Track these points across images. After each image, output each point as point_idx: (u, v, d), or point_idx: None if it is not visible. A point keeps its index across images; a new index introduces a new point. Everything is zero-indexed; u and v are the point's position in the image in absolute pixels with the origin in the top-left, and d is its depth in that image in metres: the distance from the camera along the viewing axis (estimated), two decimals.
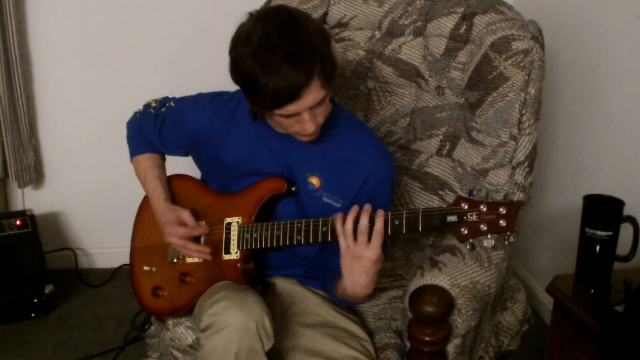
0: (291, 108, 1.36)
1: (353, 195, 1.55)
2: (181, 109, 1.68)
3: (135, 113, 1.77)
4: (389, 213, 1.36)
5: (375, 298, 1.75)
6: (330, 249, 1.58)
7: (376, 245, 1.35)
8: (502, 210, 1.26)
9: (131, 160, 1.77)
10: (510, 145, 1.73)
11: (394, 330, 1.67)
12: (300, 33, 1.33)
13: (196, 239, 1.63)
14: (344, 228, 1.37)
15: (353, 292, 1.44)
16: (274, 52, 1.31)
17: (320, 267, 1.67)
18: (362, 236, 1.35)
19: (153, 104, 1.73)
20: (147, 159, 1.73)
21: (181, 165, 1.78)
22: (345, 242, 1.37)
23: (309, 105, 1.37)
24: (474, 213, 1.28)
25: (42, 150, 2.66)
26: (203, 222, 1.63)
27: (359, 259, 1.36)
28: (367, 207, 1.37)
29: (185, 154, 1.75)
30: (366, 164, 1.54)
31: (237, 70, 1.38)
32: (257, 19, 1.37)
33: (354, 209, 1.38)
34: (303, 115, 1.39)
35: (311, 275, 1.67)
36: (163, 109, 1.71)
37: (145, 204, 1.77)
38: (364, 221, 1.35)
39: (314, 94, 1.36)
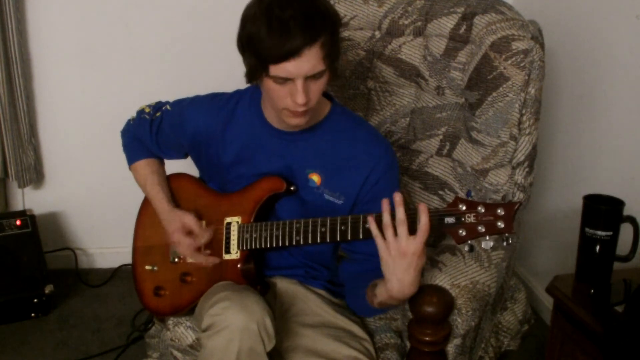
0: (288, 67, 1.34)
1: (356, 192, 1.54)
2: (178, 111, 1.68)
3: (129, 120, 1.77)
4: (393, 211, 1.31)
5: None
6: (350, 257, 1.57)
7: (421, 240, 1.27)
8: (500, 211, 1.25)
9: (129, 168, 1.77)
10: (510, 145, 1.73)
11: (394, 330, 1.68)
12: (317, 2, 1.35)
13: None
14: (382, 222, 1.29)
15: (401, 292, 1.32)
16: (287, 9, 1.31)
17: (324, 268, 1.67)
18: (403, 227, 1.27)
19: (147, 110, 1.73)
20: (145, 166, 1.73)
21: (180, 164, 1.77)
22: (382, 241, 1.29)
23: (306, 71, 1.35)
24: (472, 214, 1.27)
25: (42, 150, 2.67)
26: (203, 224, 1.63)
27: (403, 256, 1.28)
28: (400, 199, 1.29)
29: (184, 157, 1.74)
30: (366, 159, 1.54)
31: (244, 29, 1.38)
32: None
33: (386, 202, 1.30)
34: (296, 83, 1.36)
35: (312, 275, 1.67)
36: (158, 114, 1.70)
37: (146, 204, 1.77)
38: (401, 213, 1.28)
39: (313, 60, 1.34)
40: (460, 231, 1.27)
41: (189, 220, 1.60)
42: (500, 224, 1.25)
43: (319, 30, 1.34)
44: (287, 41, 1.31)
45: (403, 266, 1.29)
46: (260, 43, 1.34)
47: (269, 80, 1.39)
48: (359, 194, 1.54)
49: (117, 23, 2.56)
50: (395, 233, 1.28)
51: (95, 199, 2.74)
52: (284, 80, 1.37)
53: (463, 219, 1.27)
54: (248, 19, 1.37)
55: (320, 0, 1.38)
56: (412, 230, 1.28)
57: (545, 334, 1.72)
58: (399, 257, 1.28)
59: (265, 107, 1.57)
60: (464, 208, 1.27)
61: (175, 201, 1.69)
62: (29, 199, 2.70)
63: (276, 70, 1.35)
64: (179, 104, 1.70)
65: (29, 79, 2.56)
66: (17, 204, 2.70)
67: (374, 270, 1.40)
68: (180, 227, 1.61)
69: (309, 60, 1.34)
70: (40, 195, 2.71)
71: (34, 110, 2.61)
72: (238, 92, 1.64)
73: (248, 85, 1.54)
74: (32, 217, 2.51)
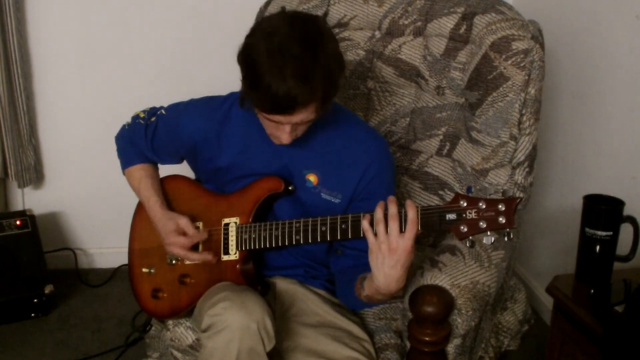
0: (279, 118, 1.37)
1: (352, 190, 1.54)
2: (174, 116, 1.67)
3: (124, 125, 1.76)
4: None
5: None
6: (343, 252, 1.58)
7: (410, 235, 1.28)
8: (501, 206, 1.26)
9: (123, 172, 1.76)
10: (510, 145, 1.74)
11: (394, 330, 1.67)
12: (320, 53, 1.33)
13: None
14: (374, 217, 1.31)
15: (387, 288, 1.34)
16: (289, 62, 1.30)
17: (323, 267, 1.67)
18: (394, 223, 1.28)
19: (141, 115, 1.73)
20: (139, 170, 1.73)
21: (176, 166, 1.77)
22: (373, 236, 1.31)
23: (296, 122, 1.38)
24: (473, 210, 1.27)
25: (42, 150, 2.66)
26: (200, 225, 1.63)
27: (392, 252, 1.29)
28: (393, 198, 1.32)
29: (180, 161, 1.74)
30: (362, 157, 1.54)
31: (245, 55, 1.37)
32: (287, 17, 1.36)
33: (381, 203, 1.32)
34: (285, 127, 1.40)
35: (312, 275, 1.67)
36: (153, 118, 1.70)
37: (141, 206, 1.77)
38: (393, 209, 1.29)
39: (305, 113, 1.37)
40: (462, 227, 1.28)
41: (184, 222, 1.60)
42: (502, 219, 1.25)
43: (317, 89, 1.33)
44: (282, 100, 1.31)
45: (391, 262, 1.30)
46: (255, 89, 1.34)
47: (260, 112, 1.41)
48: (355, 192, 1.55)
49: (117, 23, 2.56)
50: (387, 230, 1.29)
51: (95, 199, 2.74)
52: (274, 121, 1.39)
53: (464, 215, 1.27)
54: (252, 50, 1.35)
55: (324, 49, 1.35)
56: (403, 228, 1.29)
57: (545, 334, 1.72)
58: (388, 253, 1.30)
59: None
60: (465, 204, 1.28)
61: (172, 203, 1.69)
62: (29, 199, 2.70)
63: (267, 116, 1.38)
64: (174, 108, 1.70)
65: (29, 79, 2.56)
66: (17, 204, 2.70)
67: (364, 265, 1.40)
68: (174, 229, 1.61)
69: (302, 114, 1.36)
70: (40, 195, 2.71)
71: (34, 110, 2.61)
72: (233, 95, 1.64)
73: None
74: (32, 217, 2.51)
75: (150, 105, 1.76)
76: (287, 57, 1.30)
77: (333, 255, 1.62)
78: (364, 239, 1.35)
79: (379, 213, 1.31)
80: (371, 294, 1.41)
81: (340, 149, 1.56)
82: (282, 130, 1.41)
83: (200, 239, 1.60)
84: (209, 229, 1.62)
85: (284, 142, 1.43)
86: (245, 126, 1.59)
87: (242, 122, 1.59)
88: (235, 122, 1.60)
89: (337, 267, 1.60)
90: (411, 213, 1.28)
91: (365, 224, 1.33)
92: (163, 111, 1.70)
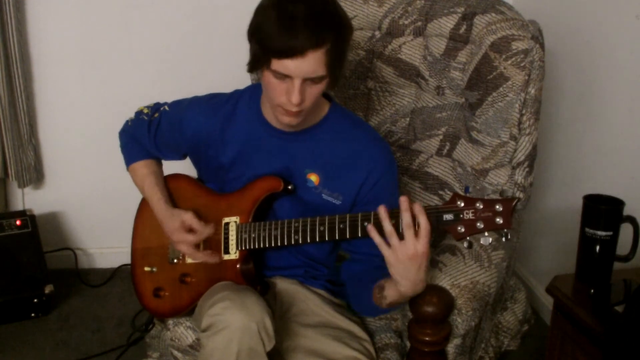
0: (289, 64, 1.34)
1: (355, 193, 1.54)
2: (177, 112, 1.67)
3: (127, 121, 1.76)
4: (388, 210, 1.32)
5: None
6: (352, 257, 1.58)
7: (425, 239, 1.28)
8: (499, 207, 1.26)
9: (127, 169, 1.76)
10: (510, 145, 1.74)
11: (394, 330, 1.68)
12: (331, 5, 1.36)
13: None
14: (385, 230, 1.29)
15: (413, 291, 1.35)
16: (299, 5, 1.31)
17: (323, 267, 1.67)
18: (409, 230, 1.27)
19: (145, 111, 1.73)
20: (143, 166, 1.73)
21: (178, 164, 1.77)
22: (388, 248, 1.30)
23: (305, 72, 1.35)
24: (470, 211, 1.27)
25: (42, 150, 2.66)
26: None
27: (413, 259, 1.29)
28: (405, 205, 1.28)
29: (182, 158, 1.74)
30: (365, 160, 1.54)
31: (255, 18, 1.38)
32: None
33: (382, 209, 1.31)
34: (294, 82, 1.36)
35: (312, 275, 1.67)
36: (156, 114, 1.70)
37: (144, 205, 1.77)
38: (407, 218, 1.28)
39: (315, 63, 1.34)
40: (459, 228, 1.28)
41: (189, 217, 1.59)
42: (499, 220, 1.25)
43: (326, 35, 1.33)
44: (293, 38, 1.31)
45: (414, 268, 1.30)
46: (266, 34, 1.34)
47: (269, 73, 1.39)
48: (358, 195, 1.54)
49: (117, 23, 2.56)
50: (400, 238, 1.29)
51: (95, 199, 2.74)
52: (283, 77, 1.37)
53: (461, 216, 1.27)
54: (261, 8, 1.38)
55: (336, 7, 1.38)
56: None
57: (545, 334, 1.72)
58: (409, 260, 1.29)
59: (264, 106, 1.57)
60: (462, 205, 1.28)
61: (174, 202, 1.69)
62: (29, 199, 2.70)
63: (277, 65, 1.35)
64: (178, 105, 1.70)
65: (29, 79, 2.56)
66: (17, 204, 2.70)
67: (376, 269, 1.40)
68: (179, 225, 1.60)
69: (310, 63, 1.34)
70: (40, 195, 2.71)
71: (34, 110, 2.61)
72: (237, 92, 1.64)
73: (246, 86, 1.54)
74: (32, 217, 2.51)
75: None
76: (296, 4, 1.32)
77: (342, 261, 1.61)
78: (371, 242, 1.34)
79: (387, 226, 1.29)
80: (395, 300, 1.41)
81: (342, 151, 1.55)
82: (291, 89, 1.37)
83: (207, 233, 1.58)
84: (212, 224, 1.61)
85: (294, 101, 1.38)
86: (249, 125, 1.59)
87: (246, 121, 1.59)
88: (238, 120, 1.60)
89: (348, 274, 1.59)
90: (423, 220, 1.27)
91: (377, 237, 1.31)
92: (166, 107, 1.70)
